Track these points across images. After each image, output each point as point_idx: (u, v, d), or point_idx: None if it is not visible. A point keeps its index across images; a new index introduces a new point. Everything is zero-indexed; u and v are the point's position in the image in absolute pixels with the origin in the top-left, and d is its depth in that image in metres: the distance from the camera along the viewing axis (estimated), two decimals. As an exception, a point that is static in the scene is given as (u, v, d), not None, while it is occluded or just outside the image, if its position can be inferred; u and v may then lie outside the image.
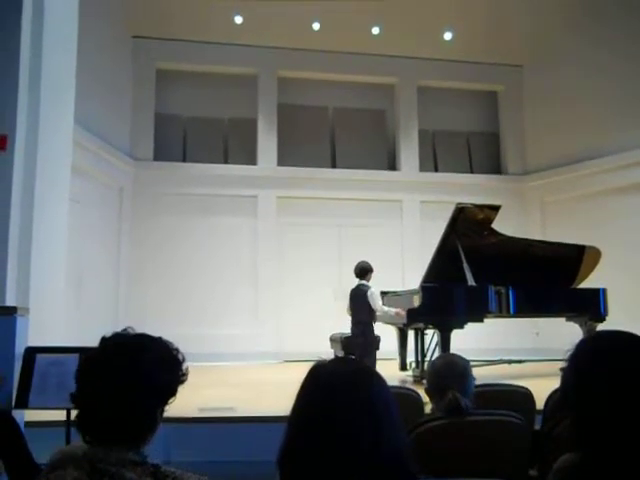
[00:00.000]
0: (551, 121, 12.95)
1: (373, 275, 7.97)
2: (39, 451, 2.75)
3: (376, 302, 7.73)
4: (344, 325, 8.81)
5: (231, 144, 12.71)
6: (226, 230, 12.18)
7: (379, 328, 7.91)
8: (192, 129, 12.56)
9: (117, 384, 1.60)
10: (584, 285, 8.92)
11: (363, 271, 8.01)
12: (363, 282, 7.94)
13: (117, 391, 1.59)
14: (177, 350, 1.73)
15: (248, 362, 11.21)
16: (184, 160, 12.40)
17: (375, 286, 7.88)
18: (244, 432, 5.07)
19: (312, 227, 12.39)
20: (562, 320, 8.78)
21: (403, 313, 7.72)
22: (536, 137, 13.30)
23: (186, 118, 12.59)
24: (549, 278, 8.52)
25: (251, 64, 12.70)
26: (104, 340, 1.69)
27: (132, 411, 1.60)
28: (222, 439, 5.07)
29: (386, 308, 7.85)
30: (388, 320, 8.26)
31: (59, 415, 3.67)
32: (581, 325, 8.55)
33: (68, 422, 3.52)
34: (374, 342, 7.69)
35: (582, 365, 1.57)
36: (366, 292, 7.74)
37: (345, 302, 8.10)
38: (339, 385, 1.45)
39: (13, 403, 3.72)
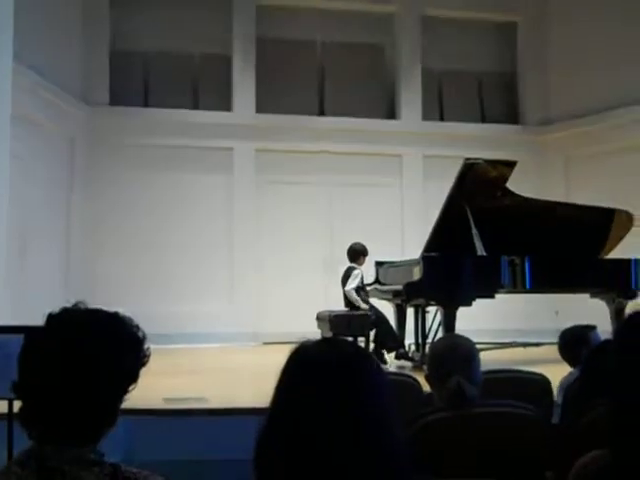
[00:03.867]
0: (580, 60, 12.80)
1: (368, 258, 8.35)
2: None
3: (350, 282, 8.35)
4: (335, 302, 8.88)
5: (202, 86, 12.61)
6: (196, 189, 12.15)
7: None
8: (155, 67, 12.43)
9: (66, 369, 1.59)
10: (613, 255, 8.97)
11: (353, 253, 8.68)
12: (353, 265, 8.44)
13: (67, 378, 1.59)
14: (137, 327, 1.73)
15: (222, 344, 11.25)
16: (146, 105, 12.31)
17: (372, 258, 8.03)
18: (217, 426, 5.11)
19: (297, 186, 12.37)
20: (586, 297, 8.83)
21: (365, 307, 8.30)
22: (562, 79, 13.20)
23: (148, 54, 12.43)
24: (572, 247, 8.54)
25: (226, -11, 12.55)
26: (51, 317, 1.68)
27: (85, 401, 1.60)
28: (191, 434, 5.11)
29: (354, 296, 8.41)
30: (382, 295, 8.36)
31: (0, 407, 3.68)
32: (608, 302, 8.59)
33: (10, 415, 3.53)
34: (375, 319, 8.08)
35: (626, 345, 1.58)
36: (350, 275, 8.32)
37: (337, 275, 8.33)
38: (325, 371, 1.45)
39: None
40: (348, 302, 8.56)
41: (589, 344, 4.03)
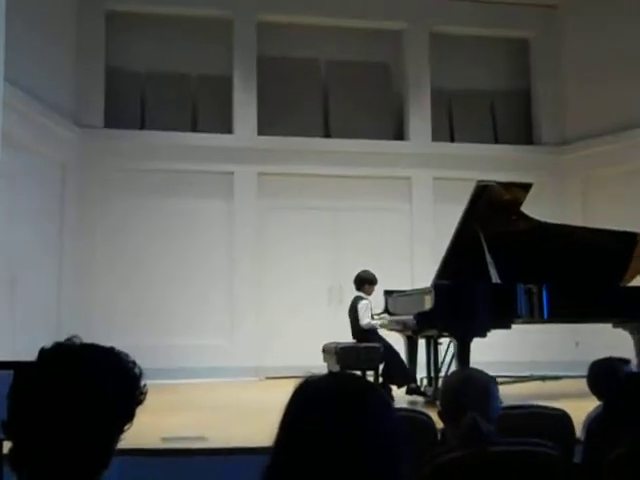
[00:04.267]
0: (597, 75, 12.81)
1: (376, 287, 8.50)
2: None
3: (363, 316, 8.42)
4: (340, 334, 8.86)
5: (201, 107, 12.67)
6: (195, 215, 12.16)
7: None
8: (152, 88, 12.50)
9: (59, 407, 1.58)
10: (636, 283, 8.94)
11: (359, 282, 8.82)
12: (360, 294, 8.54)
13: (59, 417, 1.58)
14: (133, 363, 1.73)
15: (223, 379, 11.21)
16: (142, 127, 12.36)
17: (380, 288, 8.04)
18: (217, 467, 5.08)
19: (301, 212, 12.39)
20: (608, 327, 8.80)
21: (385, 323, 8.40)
22: (578, 96, 13.21)
23: (145, 74, 12.52)
24: (592, 274, 8.52)
25: (225, 6, 12.64)
26: (43, 352, 1.68)
27: (78, 442, 1.59)
28: (191, 476, 5.08)
29: (374, 322, 8.48)
30: (392, 326, 8.35)
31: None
32: (632, 333, 8.54)
33: (0, 457, 3.51)
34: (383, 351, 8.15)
35: None
36: (357, 305, 8.43)
37: (343, 305, 8.37)
38: (332, 407, 1.44)
39: None
40: (356, 334, 8.56)
41: (621, 379, 4.00)
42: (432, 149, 12.96)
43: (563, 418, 3.95)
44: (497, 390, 2.92)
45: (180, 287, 11.94)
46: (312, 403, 1.48)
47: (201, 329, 11.84)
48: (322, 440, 1.41)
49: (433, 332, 8.15)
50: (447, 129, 13.34)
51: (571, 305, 8.19)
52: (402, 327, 8.30)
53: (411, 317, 7.72)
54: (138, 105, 12.46)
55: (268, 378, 11.36)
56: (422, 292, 7.90)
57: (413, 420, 3.85)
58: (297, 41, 13.02)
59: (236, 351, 11.82)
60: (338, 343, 8.45)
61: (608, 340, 8.49)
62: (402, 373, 8.38)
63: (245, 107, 12.56)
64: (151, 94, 12.51)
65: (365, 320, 8.52)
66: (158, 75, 12.53)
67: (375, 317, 8.71)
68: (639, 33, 12.17)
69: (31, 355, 1.73)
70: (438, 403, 2.98)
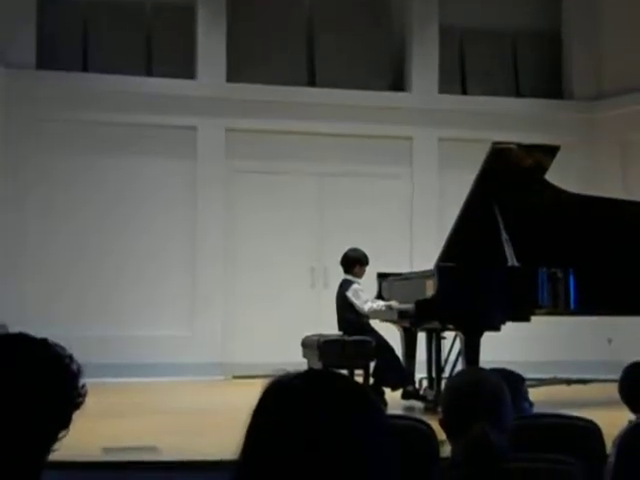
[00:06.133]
0: (641, 19, 12.85)
1: (368, 269, 8.40)
2: None
3: (359, 302, 8.41)
4: (324, 325, 8.89)
5: (156, 46, 12.59)
6: (149, 179, 12.14)
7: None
8: (96, 20, 12.38)
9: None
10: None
11: (348, 262, 8.78)
12: (349, 277, 8.63)
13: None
14: (70, 358, 1.74)
15: (180, 378, 11.24)
16: (85, 69, 12.26)
17: (372, 270, 8.05)
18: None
19: (278, 176, 12.39)
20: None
21: (397, 305, 8.07)
22: (618, 42, 13.20)
23: (88, 2, 12.37)
24: (630, 256, 8.57)
25: None
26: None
27: (3, 451, 1.60)
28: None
29: (375, 305, 8.38)
30: (385, 316, 8.37)
31: None
32: (676, 328, 8.64)
33: None
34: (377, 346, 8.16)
35: None
36: (346, 291, 8.43)
37: (328, 290, 8.38)
38: (307, 413, 1.40)
39: None
40: (344, 325, 8.57)
41: None
42: (438, 103, 12.95)
43: (591, 430, 3.98)
44: (526, 392, 2.94)
45: (132, 268, 11.93)
46: (283, 407, 1.43)
47: (156, 317, 11.85)
48: (294, 453, 1.37)
49: (435, 324, 8.15)
50: (458, 78, 13.35)
51: (604, 294, 8.19)
52: (398, 317, 8.32)
53: (409, 305, 7.73)
54: (79, 42, 12.32)
55: (236, 377, 11.39)
56: (423, 276, 7.95)
57: (409, 430, 3.86)
58: (276, -34, 12.97)
59: (198, 344, 11.84)
60: (321, 335, 8.47)
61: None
62: (397, 373, 8.42)
63: (211, 47, 12.49)
64: (94, 28, 12.37)
65: (366, 305, 8.44)
66: (103, 4, 12.38)
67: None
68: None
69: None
70: (440, 409, 3.00)
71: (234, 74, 12.50)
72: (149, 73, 12.47)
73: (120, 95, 12.03)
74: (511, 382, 3.17)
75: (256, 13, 12.72)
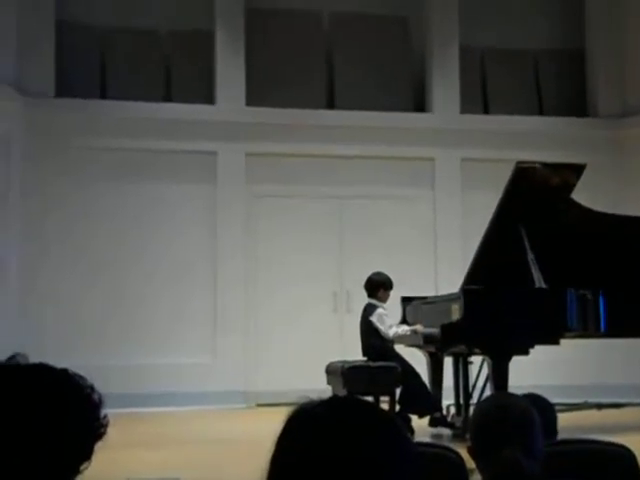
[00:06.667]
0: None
1: (393, 293, 8.43)
2: None
3: (383, 327, 8.36)
4: (348, 350, 8.85)
5: (175, 71, 12.72)
6: (169, 206, 12.22)
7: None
8: (113, 47, 12.52)
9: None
10: None
11: (371, 286, 8.74)
12: (372, 302, 8.61)
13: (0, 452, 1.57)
14: (91, 388, 1.73)
15: (203, 407, 11.28)
16: (103, 96, 12.39)
17: (396, 294, 8.02)
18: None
19: (299, 200, 12.42)
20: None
21: (422, 329, 8.12)
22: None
23: (105, 30, 12.52)
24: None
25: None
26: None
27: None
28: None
29: (400, 330, 8.39)
30: (410, 341, 8.33)
31: None
32: None
33: None
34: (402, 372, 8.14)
35: None
36: (370, 316, 8.42)
37: (352, 316, 8.38)
38: (332, 441, 1.40)
39: None
40: (368, 350, 8.53)
41: None
42: (460, 123, 12.98)
43: (624, 457, 3.90)
44: (556, 421, 2.87)
45: (153, 294, 11.97)
46: (307, 435, 1.44)
47: (177, 345, 11.87)
48: None
49: (462, 348, 8.17)
50: (479, 98, 13.39)
51: (635, 315, 8.16)
52: (424, 342, 8.28)
53: (435, 330, 7.71)
54: (97, 69, 12.48)
55: (259, 405, 11.44)
56: (448, 299, 7.94)
57: (437, 458, 3.81)
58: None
59: (220, 372, 11.86)
60: (345, 362, 8.45)
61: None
62: (424, 400, 8.37)
63: (230, 71, 12.59)
64: (113, 55, 12.51)
65: (391, 330, 8.42)
66: (122, 31, 12.52)
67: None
68: None
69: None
70: (468, 436, 2.93)
71: (253, 98, 12.57)
72: (168, 99, 12.57)
73: (139, 121, 12.13)
74: (541, 409, 3.11)
75: (274, 36, 12.80)
